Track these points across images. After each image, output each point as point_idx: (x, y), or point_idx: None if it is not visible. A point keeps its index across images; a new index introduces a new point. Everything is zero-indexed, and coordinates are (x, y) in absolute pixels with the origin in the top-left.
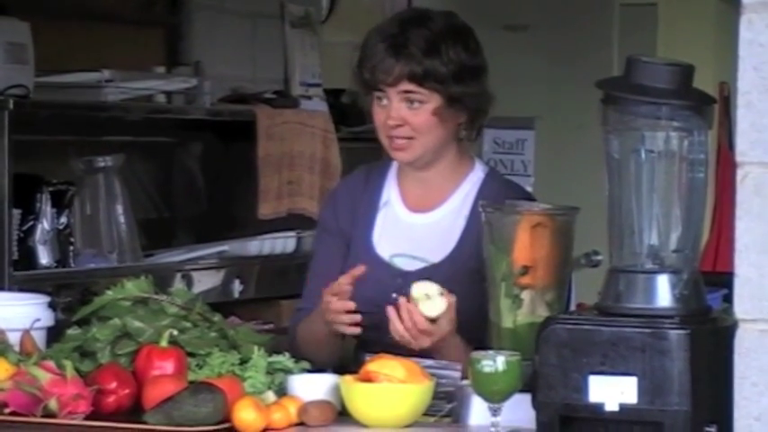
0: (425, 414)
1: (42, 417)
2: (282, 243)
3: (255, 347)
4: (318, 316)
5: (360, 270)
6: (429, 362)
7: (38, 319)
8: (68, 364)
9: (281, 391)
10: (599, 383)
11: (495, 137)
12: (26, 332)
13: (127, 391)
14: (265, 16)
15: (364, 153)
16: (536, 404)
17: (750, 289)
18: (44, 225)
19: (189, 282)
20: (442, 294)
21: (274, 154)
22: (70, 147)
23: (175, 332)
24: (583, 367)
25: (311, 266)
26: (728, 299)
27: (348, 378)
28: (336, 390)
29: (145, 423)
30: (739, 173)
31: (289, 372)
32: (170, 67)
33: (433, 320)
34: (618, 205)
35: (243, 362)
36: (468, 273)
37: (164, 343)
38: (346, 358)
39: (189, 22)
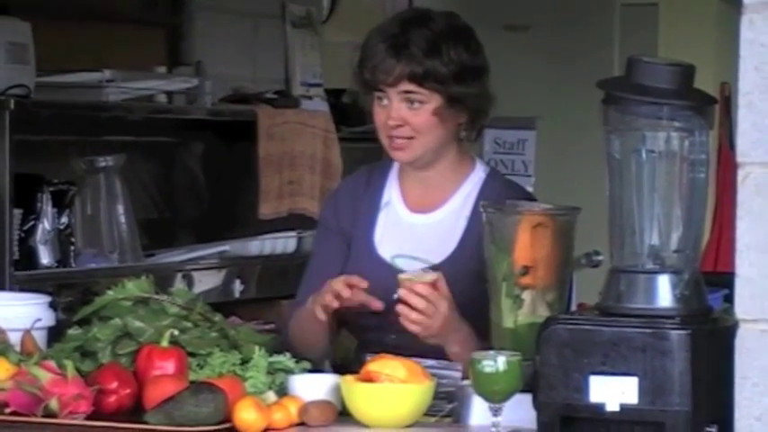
0: (426, 414)
1: (43, 417)
2: (283, 243)
3: (256, 347)
4: (311, 305)
5: (363, 283)
6: (430, 362)
7: (39, 319)
8: (69, 363)
9: (282, 391)
10: (600, 384)
11: (495, 137)
12: (27, 332)
13: (128, 390)
14: (266, 16)
15: (365, 153)
16: (537, 404)
17: (751, 289)
18: (45, 225)
19: (190, 282)
20: (424, 270)
21: (275, 154)
22: (71, 147)
23: (176, 332)
24: (584, 367)
25: (309, 265)
26: (729, 299)
27: (349, 378)
28: (337, 390)
29: (146, 423)
30: (740, 173)
31: (290, 372)
32: (171, 66)
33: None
34: (619, 205)
35: (244, 362)
36: (469, 273)
37: (164, 343)
38: (347, 358)
39: (190, 22)
